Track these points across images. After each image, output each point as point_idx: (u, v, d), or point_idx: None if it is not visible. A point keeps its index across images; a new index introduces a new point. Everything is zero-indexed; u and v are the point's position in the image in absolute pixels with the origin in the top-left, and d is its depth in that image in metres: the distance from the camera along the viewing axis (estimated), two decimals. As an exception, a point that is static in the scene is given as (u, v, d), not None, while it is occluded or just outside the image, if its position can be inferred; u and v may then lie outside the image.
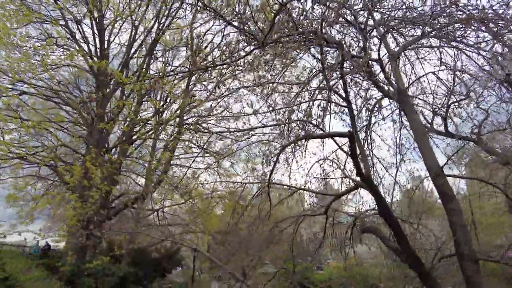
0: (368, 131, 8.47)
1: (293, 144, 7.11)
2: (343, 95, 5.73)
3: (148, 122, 16.05)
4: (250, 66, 5.86)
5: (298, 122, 6.54)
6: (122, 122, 14.31)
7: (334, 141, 6.03)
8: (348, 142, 4.96)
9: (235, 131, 7.54)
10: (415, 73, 8.32)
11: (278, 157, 5.93)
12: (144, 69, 16.71)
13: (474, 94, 8.79)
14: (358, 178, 8.45)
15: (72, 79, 19.09)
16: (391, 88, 7.81)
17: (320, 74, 6.35)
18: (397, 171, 6.11)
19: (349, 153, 5.02)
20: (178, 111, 14.97)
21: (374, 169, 8.84)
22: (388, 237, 7.64)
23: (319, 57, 6.57)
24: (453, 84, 8.44)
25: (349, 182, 8.96)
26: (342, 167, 8.51)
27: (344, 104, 5.95)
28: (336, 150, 7.34)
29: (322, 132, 5.98)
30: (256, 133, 8.09)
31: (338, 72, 6.46)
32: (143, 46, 17.83)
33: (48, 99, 14.38)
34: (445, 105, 8.84)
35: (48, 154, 12.33)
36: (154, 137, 17.96)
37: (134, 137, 15.73)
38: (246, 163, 14.52)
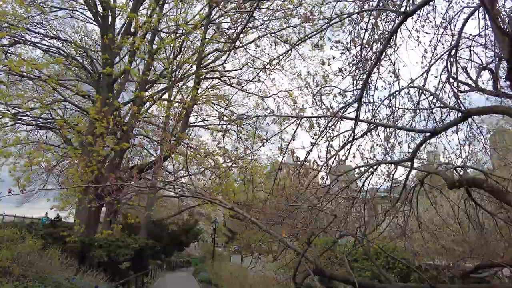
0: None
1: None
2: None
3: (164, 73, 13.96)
4: None
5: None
6: (137, 70, 12.26)
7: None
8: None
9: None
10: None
11: (392, 35, 3.41)
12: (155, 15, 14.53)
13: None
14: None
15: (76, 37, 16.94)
16: None
17: None
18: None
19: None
20: (196, 59, 12.87)
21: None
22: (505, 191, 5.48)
23: None
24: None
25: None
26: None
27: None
28: (448, 51, 4.79)
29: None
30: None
31: None
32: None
33: (37, 47, 12.36)
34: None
35: (46, 107, 10.40)
36: (169, 96, 15.98)
37: (149, 92, 13.70)
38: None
